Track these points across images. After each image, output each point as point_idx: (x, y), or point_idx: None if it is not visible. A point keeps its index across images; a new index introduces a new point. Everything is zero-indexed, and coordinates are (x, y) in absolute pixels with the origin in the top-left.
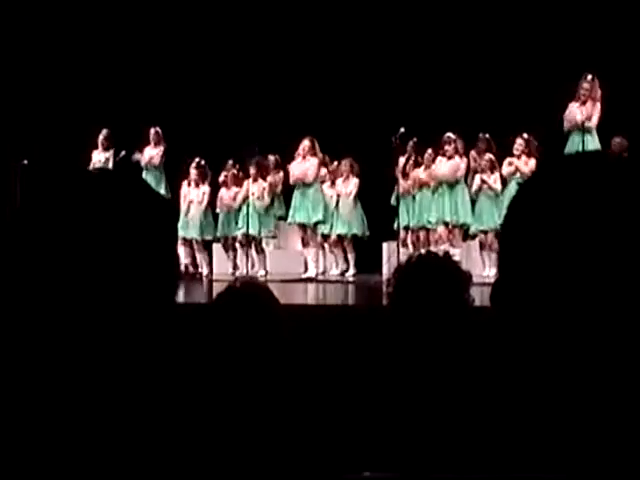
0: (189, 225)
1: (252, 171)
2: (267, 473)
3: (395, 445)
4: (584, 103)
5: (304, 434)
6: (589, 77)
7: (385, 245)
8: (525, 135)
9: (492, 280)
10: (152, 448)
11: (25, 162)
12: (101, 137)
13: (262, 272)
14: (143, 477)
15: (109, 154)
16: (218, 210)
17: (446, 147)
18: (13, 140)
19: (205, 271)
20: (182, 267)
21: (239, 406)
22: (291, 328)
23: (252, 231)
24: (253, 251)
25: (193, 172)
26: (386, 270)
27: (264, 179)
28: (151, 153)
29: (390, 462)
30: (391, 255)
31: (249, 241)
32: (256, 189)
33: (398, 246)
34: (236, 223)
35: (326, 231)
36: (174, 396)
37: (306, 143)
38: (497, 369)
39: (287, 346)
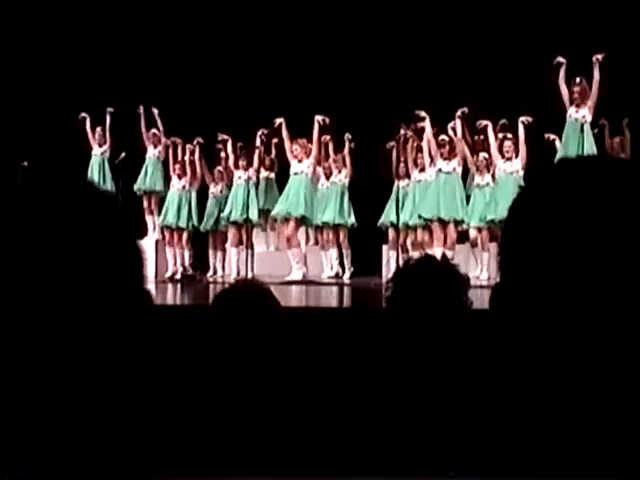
0: (167, 214)
1: (241, 162)
2: (265, 473)
3: (394, 447)
4: (579, 106)
5: (303, 435)
6: (578, 80)
7: (385, 247)
8: (509, 135)
9: (484, 282)
10: (150, 447)
11: (25, 163)
12: (96, 136)
13: (249, 274)
14: (144, 474)
15: (105, 148)
16: (208, 206)
17: (441, 150)
18: (13, 141)
19: (187, 266)
20: (181, 268)
21: (239, 406)
22: (290, 330)
23: (236, 216)
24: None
25: (177, 167)
26: (385, 272)
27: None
28: (153, 152)
29: (388, 464)
30: (390, 257)
31: (239, 231)
32: (244, 174)
33: (397, 248)
34: (220, 212)
35: (314, 223)
36: (174, 397)
37: (295, 147)
38: (496, 372)
39: (287, 348)
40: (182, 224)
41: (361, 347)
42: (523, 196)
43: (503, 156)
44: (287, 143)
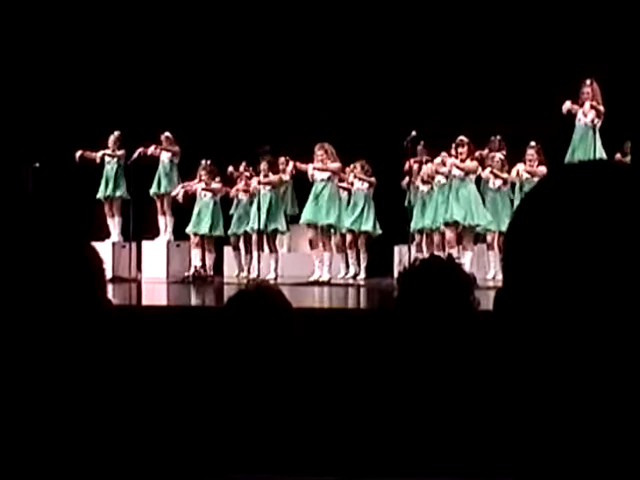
0: (201, 223)
1: (263, 167)
2: (276, 473)
3: (399, 447)
4: (589, 107)
5: (314, 435)
6: (588, 82)
7: (397, 248)
8: (533, 143)
9: (496, 284)
10: (160, 448)
11: (37, 165)
12: (112, 138)
13: (272, 275)
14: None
15: (120, 154)
16: (232, 211)
17: (459, 150)
18: (25, 143)
19: (210, 272)
20: (192, 269)
21: (251, 408)
22: (302, 331)
23: (262, 226)
24: (266, 250)
25: (203, 173)
26: (397, 273)
27: (275, 174)
28: (166, 155)
29: (397, 465)
30: (402, 258)
31: (260, 237)
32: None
33: (409, 249)
34: (248, 222)
35: (342, 230)
36: (184, 398)
37: (320, 152)
38: (501, 373)
39: (299, 350)
40: (218, 232)
41: (370, 348)
42: (527, 201)
43: (525, 163)
44: (308, 167)
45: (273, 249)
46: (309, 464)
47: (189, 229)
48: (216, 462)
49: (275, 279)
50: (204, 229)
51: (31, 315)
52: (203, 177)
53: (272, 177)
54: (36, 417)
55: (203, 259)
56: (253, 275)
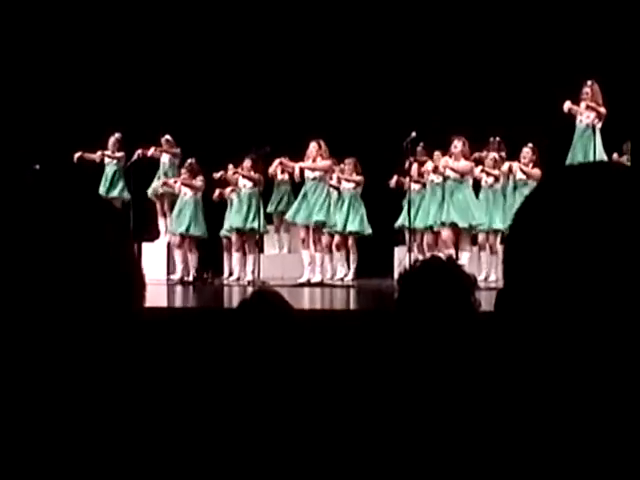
0: (180, 221)
1: (246, 164)
2: (278, 476)
3: (401, 449)
4: (588, 108)
5: (314, 438)
6: (589, 83)
7: (397, 249)
8: (530, 144)
9: (491, 284)
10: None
11: (37, 167)
12: (112, 140)
13: (249, 277)
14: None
15: (119, 155)
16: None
17: (455, 142)
18: (25, 145)
19: (187, 270)
20: (194, 272)
21: (252, 409)
22: (303, 333)
23: (239, 224)
24: (273, 251)
25: (184, 171)
26: (398, 274)
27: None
28: (167, 157)
29: (397, 467)
30: (402, 259)
31: (240, 237)
32: (247, 182)
33: (410, 250)
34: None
35: (330, 229)
36: (185, 399)
37: (313, 145)
38: (503, 374)
39: (302, 352)
40: (198, 232)
41: (371, 349)
42: (528, 203)
43: (520, 162)
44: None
45: (251, 250)
46: (309, 464)
47: (170, 229)
48: (218, 463)
49: (252, 282)
50: (183, 228)
51: (69, 318)
52: (184, 175)
53: (252, 174)
54: (36, 417)
55: (202, 258)
56: (248, 278)
